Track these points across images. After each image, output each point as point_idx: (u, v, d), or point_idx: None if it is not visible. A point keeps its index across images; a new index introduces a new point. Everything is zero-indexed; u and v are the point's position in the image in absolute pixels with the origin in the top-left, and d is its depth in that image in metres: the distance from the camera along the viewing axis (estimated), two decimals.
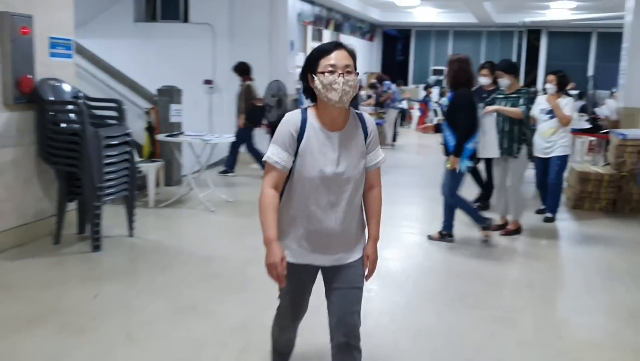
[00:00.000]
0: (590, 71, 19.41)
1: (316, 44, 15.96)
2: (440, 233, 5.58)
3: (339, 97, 2.28)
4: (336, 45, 2.36)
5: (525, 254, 5.47)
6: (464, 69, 5.22)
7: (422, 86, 19.67)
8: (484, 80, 6.60)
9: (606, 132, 8.82)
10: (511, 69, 5.77)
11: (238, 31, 9.94)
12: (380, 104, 12.86)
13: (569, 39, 19.78)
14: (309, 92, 2.39)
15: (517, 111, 5.53)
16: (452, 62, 5.35)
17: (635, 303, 4.26)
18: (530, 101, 5.84)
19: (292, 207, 2.42)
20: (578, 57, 19.64)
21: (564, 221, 6.62)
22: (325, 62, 2.30)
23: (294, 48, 10.32)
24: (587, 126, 8.88)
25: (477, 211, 5.67)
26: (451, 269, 4.86)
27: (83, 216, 5.27)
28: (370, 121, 2.50)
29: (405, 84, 20.22)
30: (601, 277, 4.81)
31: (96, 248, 4.94)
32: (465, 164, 5.22)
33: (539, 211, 6.73)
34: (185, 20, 10.23)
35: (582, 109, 12.38)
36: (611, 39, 19.21)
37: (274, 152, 2.32)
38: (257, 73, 9.66)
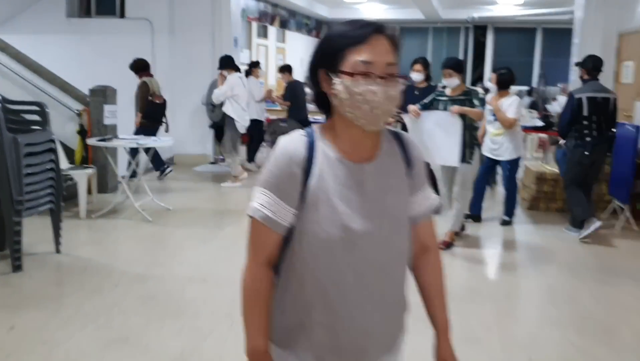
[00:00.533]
0: (537, 67, 19.66)
1: (262, 42, 15.62)
2: None
3: (375, 117, 1.40)
4: (376, 30, 1.41)
5: (483, 262, 5.22)
6: None
7: None
8: (416, 76, 6.26)
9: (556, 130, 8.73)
10: (461, 68, 5.22)
11: (179, 27, 9.41)
12: None
13: (515, 35, 19.94)
14: (321, 100, 1.50)
15: (478, 112, 5.03)
16: None
17: (603, 315, 4.04)
18: (483, 102, 5.27)
19: (299, 294, 1.48)
20: (524, 53, 19.83)
21: (522, 224, 6.42)
22: (357, 57, 1.39)
23: (238, 45, 9.85)
24: (540, 123, 8.76)
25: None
26: None
27: (2, 232, 4.70)
28: (413, 143, 1.59)
29: None
30: (564, 285, 4.59)
31: (17, 268, 4.40)
32: None
33: (503, 222, 6.27)
34: (122, 15, 9.61)
35: (532, 106, 12.38)
36: (556, 35, 19.51)
37: (264, 201, 1.44)
38: (199, 71, 9.17)
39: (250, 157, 9.09)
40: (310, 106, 11.85)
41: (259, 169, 9.04)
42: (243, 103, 8.00)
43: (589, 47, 8.47)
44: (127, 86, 7.78)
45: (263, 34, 15.34)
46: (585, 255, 5.33)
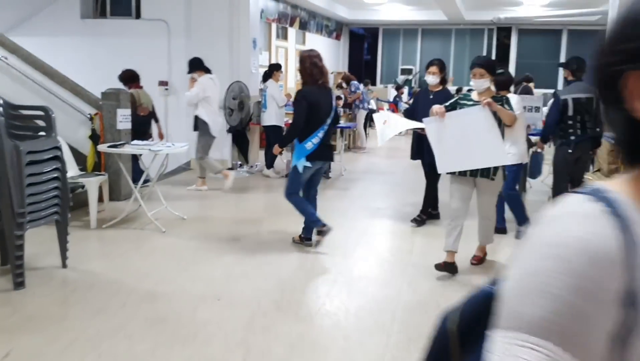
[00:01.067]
0: (562, 70, 19.15)
1: (281, 44, 15.33)
2: (300, 236, 5.33)
3: None
4: None
5: None
6: (316, 64, 5.01)
7: (390, 85, 19.10)
8: (431, 79, 5.88)
9: None
10: (494, 69, 4.52)
11: (196, 28, 9.14)
12: (349, 106, 12.18)
13: (540, 37, 19.46)
14: (631, 131, 0.75)
15: (511, 114, 4.35)
16: (304, 58, 5.04)
17: None
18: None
19: None
20: (549, 55, 19.34)
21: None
22: None
23: (257, 47, 9.56)
24: None
25: (314, 214, 5.20)
26: (432, 302, 4.19)
27: (3, 246, 4.43)
28: None
29: (374, 84, 19.63)
30: None
31: (19, 284, 4.12)
32: (302, 163, 4.94)
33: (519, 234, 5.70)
34: (138, 16, 9.37)
35: None
36: (582, 37, 19.01)
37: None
38: (217, 73, 8.86)
39: (269, 163, 8.77)
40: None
41: (278, 176, 8.73)
42: (215, 105, 7.63)
43: None
44: (145, 89, 7.52)
45: (283, 35, 15.08)
46: None
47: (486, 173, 4.39)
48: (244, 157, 9.15)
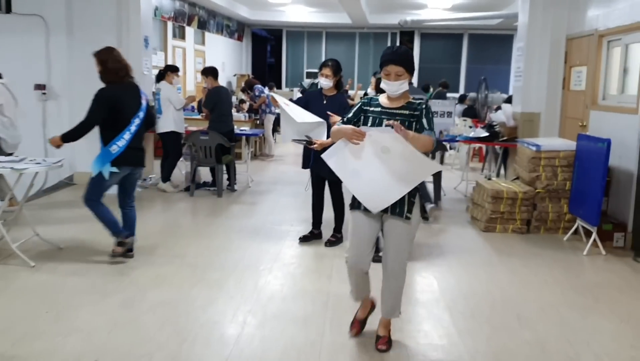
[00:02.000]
0: (463, 73, 19.42)
1: (178, 43, 14.31)
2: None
3: None
4: None
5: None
6: (120, 61, 4.76)
7: (296, 89, 18.54)
8: (324, 82, 5.30)
9: (504, 141, 8.09)
10: (413, 67, 3.27)
11: (78, 25, 8.07)
12: (255, 111, 11.45)
13: (442, 41, 19.64)
14: None
15: (429, 139, 3.13)
16: (105, 58, 4.73)
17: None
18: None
19: None
20: (451, 59, 19.56)
21: (479, 251, 5.63)
22: None
23: (150, 46, 8.62)
24: (483, 133, 8.08)
25: (116, 222, 4.80)
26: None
27: None
28: None
29: (279, 87, 19.00)
30: (540, 319, 3.78)
31: None
32: (107, 169, 4.58)
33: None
34: (8, 10, 8.15)
35: (467, 114, 11.82)
36: (482, 41, 19.37)
37: None
38: None
39: (166, 176, 7.87)
40: (238, 115, 10.80)
41: (176, 190, 7.86)
42: (11, 114, 6.13)
43: (536, 52, 7.89)
44: (18, 94, 6.40)
45: (180, 35, 14.10)
46: (561, 290, 4.56)
47: (399, 210, 3.23)
48: None
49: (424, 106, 3.26)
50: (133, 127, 4.67)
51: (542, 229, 6.24)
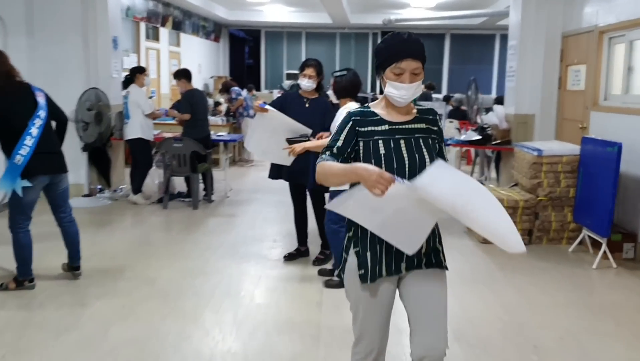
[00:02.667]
0: (446, 74, 19.04)
1: (152, 45, 13.70)
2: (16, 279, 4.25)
3: None
4: None
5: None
6: (6, 63, 4.18)
7: (276, 91, 18.01)
8: (306, 83, 4.74)
9: (497, 144, 7.66)
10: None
11: (40, 25, 7.45)
12: (233, 114, 10.90)
13: (424, 41, 18.64)
14: None
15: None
16: None
17: None
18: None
19: None
20: (433, 59, 19.16)
21: (481, 267, 5.17)
22: None
23: (119, 47, 8.04)
24: (475, 136, 7.64)
25: (27, 262, 4.22)
26: None
27: None
28: None
29: (258, 89, 18.45)
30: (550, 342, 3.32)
31: None
32: (19, 184, 3.98)
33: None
34: None
35: (453, 115, 11.40)
36: (464, 41, 19.02)
37: None
38: (68, 79, 7.29)
39: (136, 187, 7.29)
40: (215, 119, 10.23)
41: (148, 202, 7.28)
42: None
43: (529, 51, 7.48)
44: None
45: (154, 36, 13.50)
46: (576, 312, 4.10)
47: (435, 259, 2.33)
48: (105, 180, 7.60)
49: (437, 116, 2.36)
50: (34, 130, 4.03)
51: (544, 240, 5.80)
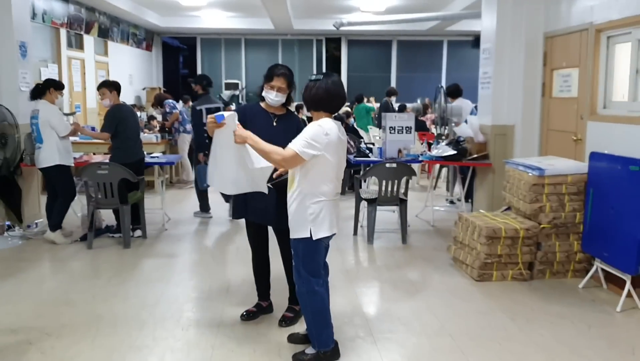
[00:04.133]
0: (394, 82, 18.29)
1: (75, 54, 12.23)
2: None
3: None
4: None
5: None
6: None
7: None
8: (274, 98, 3.70)
9: (473, 159, 6.79)
10: None
11: None
12: (168, 130, 9.65)
13: (370, 48, 18.48)
14: None
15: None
16: None
17: None
18: None
19: None
20: (380, 67, 18.41)
21: (487, 317, 4.21)
22: None
23: (28, 55, 6.72)
24: (450, 151, 6.75)
25: None
26: None
27: None
28: None
29: (194, 100, 17.12)
30: None
31: None
32: None
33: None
34: None
35: (424, 127, 10.58)
36: (411, 47, 18.33)
37: None
38: None
39: (55, 223, 5.99)
40: (148, 136, 8.95)
41: (68, 241, 6.01)
42: None
43: (506, 54, 6.68)
44: None
45: (77, 44, 12.07)
46: None
47: None
48: (15, 215, 6.26)
49: None
50: None
51: (547, 273, 4.93)
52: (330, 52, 18.57)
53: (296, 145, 3.17)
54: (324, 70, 18.12)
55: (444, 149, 6.86)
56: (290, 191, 3.34)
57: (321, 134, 3.19)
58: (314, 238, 3.26)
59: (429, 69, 18.29)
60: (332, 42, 18.42)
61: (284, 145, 3.22)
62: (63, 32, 11.21)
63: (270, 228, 3.97)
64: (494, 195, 6.82)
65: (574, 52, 5.83)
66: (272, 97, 3.69)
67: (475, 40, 17.66)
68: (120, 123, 5.94)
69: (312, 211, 3.25)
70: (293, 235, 3.34)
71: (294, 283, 3.60)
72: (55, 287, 4.78)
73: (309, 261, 3.33)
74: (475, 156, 6.80)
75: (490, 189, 6.86)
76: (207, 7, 14.09)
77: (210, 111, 6.31)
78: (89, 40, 12.49)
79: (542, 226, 4.81)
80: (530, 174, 4.88)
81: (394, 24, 13.40)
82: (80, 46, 12.22)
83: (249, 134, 3.25)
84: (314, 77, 3.35)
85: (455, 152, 6.74)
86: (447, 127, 7.89)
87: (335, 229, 3.37)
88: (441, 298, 4.52)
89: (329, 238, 3.36)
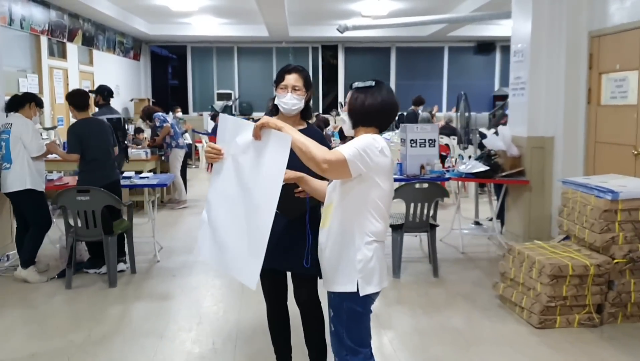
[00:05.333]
0: (393, 90, 17.49)
1: (57, 63, 11.32)
2: None
3: None
4: None
5: None
6: None
7: (207, 113, 15.93)
8: (288, 100, 2.86)
9: (507, 176, 5.98)
10: None
11: None
12: (159, 146, 8.76)
13: (368, 55, 17.72)
14: None
15: None
16: None
17: None
18: None
19: None
20: (378, 75, 17.61)
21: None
22: None
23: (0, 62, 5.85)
24: (481, 167, 5.93)
25: None
26: None
27: None
28: None
29: (185, 111, 16.29)
30: None
31: None
32: None
33: None
34: None
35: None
36: (410, 54, 17.58)
37: None
38: None
39: (27, 258, 5.10)
40: (137, 152, 8.08)
41: (43, 279, 5.12)
42: None
43: (543, 57, 5.91)
44: None
45: (59, 53, 11.17)
46: None
47: None
48: None
49: None
50: None
51: (620, 317, 4.10)
52: (327, 60, 17.79)
53: (346, 150, 2.33)
54: (320, 79, 17.37)
55: (474, 165, 6.04)
56: (325, 228, 2.51)
57: (375, 149, 2.37)
58: (361, 294, 2.42)
59: (429, 76, 17.55)
60: (329, 50, 17.64)
61: (302, 165, 2.40)
62: (44, 39, 10.32)
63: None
64: (531, 217, 6.04)
65: (630, 53, 5.05)
66: (287, 99, 2.84)
67: (477, 47, 17.01)
68: (83, 141, 5.07)
69: (361, 256, 2.42)
70: (332, 287, 2.50)
71: (318, 349, 2.75)
72: (20, 345, 3.88)
73: (355, 325, 2.48)
74: (509, 172, 6.00)
75: (526, 210, 6.06)
76: (199, 12, 13.24)
77: (111, 121, 6.01)
78: (72, 48, 11.59)
79: (615, 261, 3.99)
80: (599, 197, 4.05)
81: (399, 27, 12.63)
82: (62, 55, 11.32)
83: (278, 121, 2.39)
84: (361, 84, 2.53)
85: (487, 167, 5.93)
86: (470, 138, 7.08)
87: (385, 282, 2.53)
88: (499, 353, 3.68)
89: (377, 295, 2.52)
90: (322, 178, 2.59)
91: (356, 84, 2.56)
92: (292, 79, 2.87)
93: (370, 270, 2.43)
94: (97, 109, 6.97)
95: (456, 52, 17.37)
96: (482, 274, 5.24)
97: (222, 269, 2.72)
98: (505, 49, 17.26)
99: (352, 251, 2.43)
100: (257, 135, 2.39)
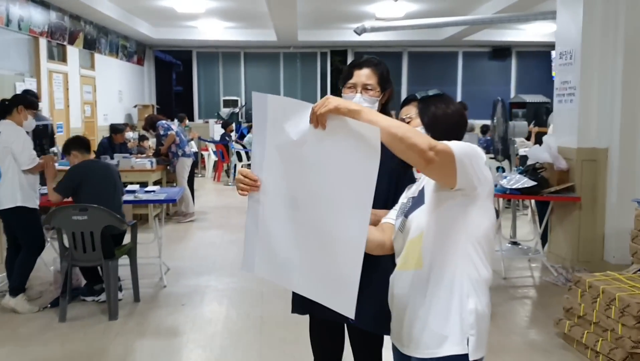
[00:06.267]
0: (404, 95, 16.93)
1: (57, 67, 10.70)
2: None
3: None
4: None
5: None
6: None
7: (213, 120, 15.34)
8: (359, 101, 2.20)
9: (555, 193, 5.35)
10: None
11: None
12: (164, 155, 8.14)
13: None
14: None
15: None
16: None
17: None
18: None
19: None
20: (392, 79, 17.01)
21: None
22: None
23: None
24: (528, 182, 5.30)
25: None
26: None
27: None
28: None
29: (191, 119, 15.69)
30: None
31: None
32: None
33: None
34: None
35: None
36: (422, 59, 17.00)
37: None
38: None
39: (16, 285, 4.48)
40: (141, 162, 7.41)
41: (34, 309, 4.49)
42: None
43: (596, 58, 5.28)
44: None
45: (59, 56, 10.58)
46: None
47: None
48: None
49: None
50: None
51: None
52: (335, 66, 17.21)
53: (452, 146, 1.68)
54: (328, 85, 16.81)
55: (518, 179, 5.40)
56: (410, 271, 1.85)
57: (481, 160, 1.76)
58: (471, 359, 1.77)
59: (442, 82, 16.91)
60: (338, 55, 17.06)
61: (385, 202, 1.78)
62: (43, 42, 9.74)
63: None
64: (580, 239, 5.42)
65: None
66: (357, 101, 2.21)
67: (493, 52, 16.43)
68: (80, 185, 4.49)
69: (473, 305, 1.78)
70: (421, 350, 1.82)
71: None
72: None
73: None
74: (558, 187, 5.37)
75: (575, 230, 5.44)
76: (205, 15, 12.65)
77: (38, 127, 5.71)
78: (73, 52, 11.02)
79: None
80: None
81: (416, 29, 12.06)
82: (63, 58, 10.74)
83: (352, 103, 1.71)
84: (430, 93, 1.92)
85: (535, 183, 5.30)
86: (508, 149, 6.46)
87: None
88: None
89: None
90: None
91: (422, 93, 1.94)
92: (362, 75, 2.21)
93: (483, 330, 1.79)
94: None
95: (471, 57, 16.79)
96: (533, 306, 4.60)
97: (297, 290, 2.02)
98: (522, 55, 16.75)
99: (458, 298, 1.78)
100: (321, 122, 1.69)
